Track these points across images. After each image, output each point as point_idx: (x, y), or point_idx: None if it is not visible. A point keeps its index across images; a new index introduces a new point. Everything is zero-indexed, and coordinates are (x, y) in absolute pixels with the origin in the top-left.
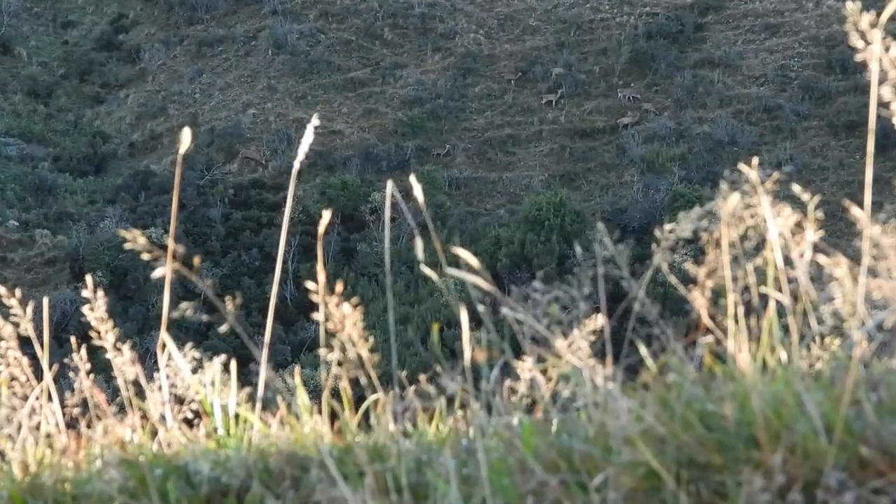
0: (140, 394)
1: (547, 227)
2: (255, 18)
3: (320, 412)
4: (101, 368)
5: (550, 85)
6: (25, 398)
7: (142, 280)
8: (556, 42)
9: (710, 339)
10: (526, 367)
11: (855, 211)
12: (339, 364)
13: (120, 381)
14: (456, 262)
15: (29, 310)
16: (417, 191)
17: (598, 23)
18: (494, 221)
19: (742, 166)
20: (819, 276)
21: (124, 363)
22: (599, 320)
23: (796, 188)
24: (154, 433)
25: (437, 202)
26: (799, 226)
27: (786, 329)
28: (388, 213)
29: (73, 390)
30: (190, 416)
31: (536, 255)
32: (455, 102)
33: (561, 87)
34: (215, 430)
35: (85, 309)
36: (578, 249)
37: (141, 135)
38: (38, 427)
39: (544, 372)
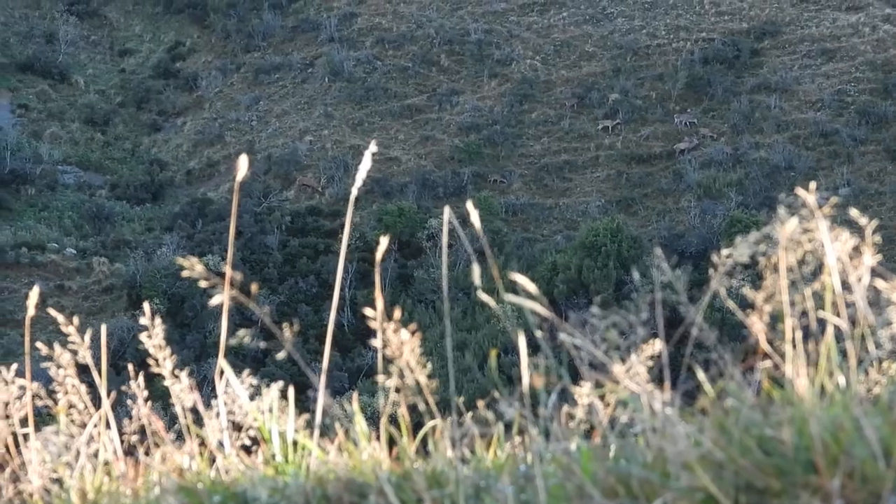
0: (198, 421)
1: (604, 252)
2: (312, 46)
3: (378, 439)
4: (159, 396)
5: (607, 111)
6: (84, 426)
7: (199, 307)
8: (613, 68)
9: (768, 363)
10: (584, 393)
11: None
12: (397, 390)
13: (178, 409)
14: (513, 288)
15: (87, 337)
16: (474, 217)
17: (655, 48)
18: (551, 247)
19: (799, 191)
20: (877, 301)
21: (182, 390)
22: (657, 345)
23: (854, 213)
24: (212, 460)
25: (494, 228)
26: (856, 250)
27: (844, 353)
28: (445, 240)
29: (130, 418)
30: (248, 443)
31: (594, 280)
32: (512, 129)
33: (617, 112)
34: (273, 456)
35: (142, 336)
36: (636, 275)
37: (198, 162)
38: (96, 454)
39: (602, 397)
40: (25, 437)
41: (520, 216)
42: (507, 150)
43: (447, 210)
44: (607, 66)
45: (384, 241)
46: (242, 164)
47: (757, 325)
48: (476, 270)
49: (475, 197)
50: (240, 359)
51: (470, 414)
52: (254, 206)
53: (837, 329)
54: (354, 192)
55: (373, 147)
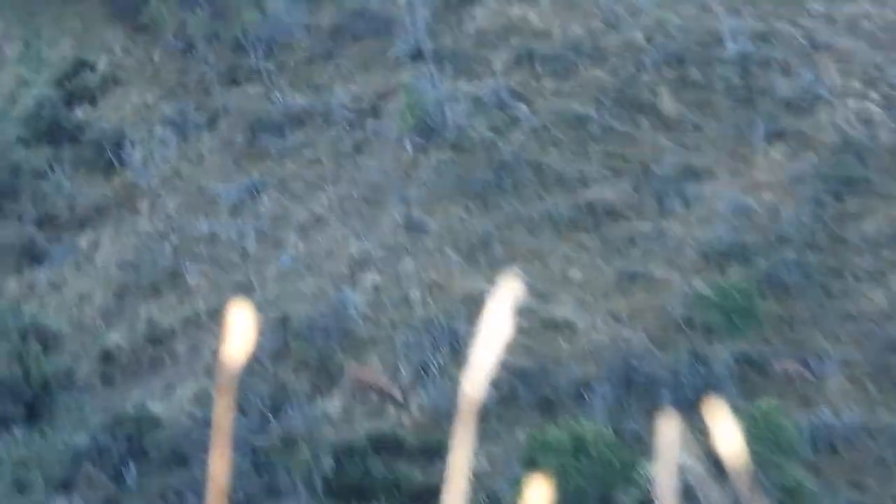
0: None
1: None
2: (378, 65)
3: None
4: None
5: None
6: None
7: None
8: None
9: None
10: None
11: None
12: None
13: None
14: None
15: None
16: (737, 453)
17: None
18: None
19: None
20: None
21: None
22: None
23: None
24: None
25: (787, 483)
26: None
27: None
28: None
29: None
30: None
31: None
32: (821, 255)
33: None
34: None
35: None
36: None
37: (127, 334)
38: None
39: None
40: None
41: (846, 456)
42: (815, 304)
43: (674, 431)
44: None
45: None
46: (240, 332)
47: None
48: None
49: (742, 409)
50: None
51: None
52: (251, 430)
53: None
54: (471, 397)
55: (510, 291)
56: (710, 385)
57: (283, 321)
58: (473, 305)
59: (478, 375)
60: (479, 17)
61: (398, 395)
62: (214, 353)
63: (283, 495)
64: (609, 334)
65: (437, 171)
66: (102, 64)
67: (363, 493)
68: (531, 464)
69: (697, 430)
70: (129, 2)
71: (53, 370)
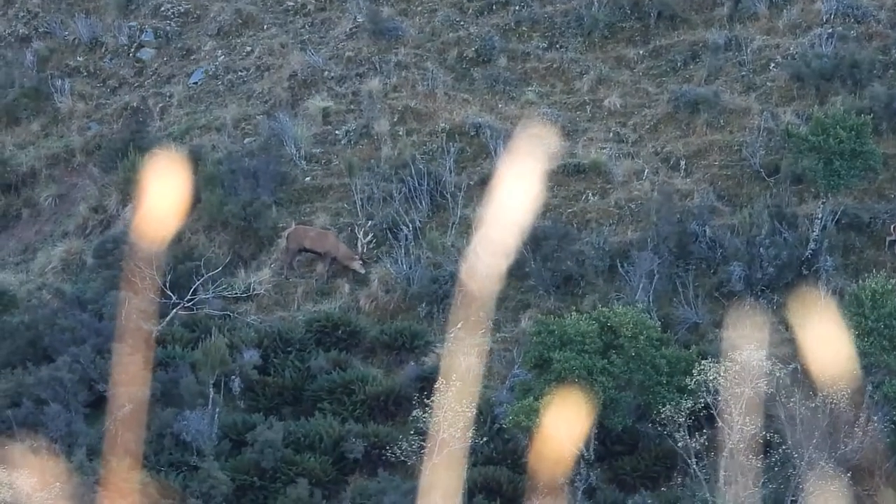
0: None
1: None
2: None
3: None
4: None
5: None
6: None
7: None
8: None
9: None
10: None
11: None
12: None
13: None
14: None
15: None
16: (835, 352)
17: None
18: None
19: None
20: None
21: None
22: None
23: None
24: None
25: None
26: None
27: None
28: None
29: None
30: None
31: None
32: None
33: None
34: None
35: None
36: None
37: None
38: None
39: None
40: None
41: None
42: None
43: (746, 322)
44: None
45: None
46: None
47: None
48: None
49: (846, 291)
50: None
51: None
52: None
53: None
54: (466, 271)
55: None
56: (800, 258)
57: (194, 161)
58: (466, 142)
59: (473, 242)
60: None
61: (357, 265)
62: (93, 206)
63: (188, 401)
64: (658, 186)
65: None
66: None
67: (299, 400)
68: (542, 364)
69: (780, 321)
70: None
71: None
